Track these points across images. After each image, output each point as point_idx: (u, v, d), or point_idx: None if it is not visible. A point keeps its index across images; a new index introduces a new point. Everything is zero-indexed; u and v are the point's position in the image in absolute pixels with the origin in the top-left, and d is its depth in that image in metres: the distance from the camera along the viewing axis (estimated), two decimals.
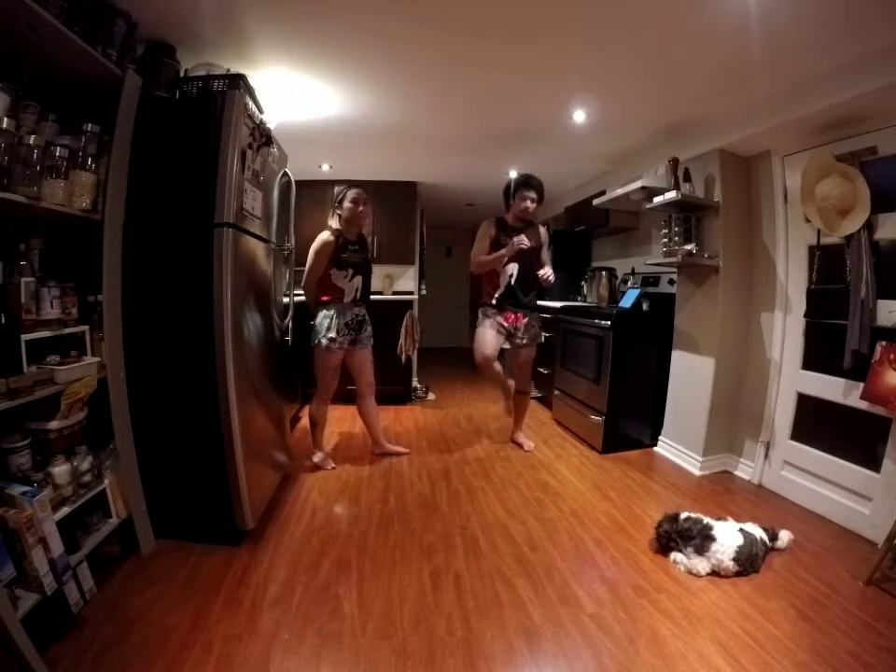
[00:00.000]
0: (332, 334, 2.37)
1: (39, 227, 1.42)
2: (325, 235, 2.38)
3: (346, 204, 2.39)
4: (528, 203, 2.62)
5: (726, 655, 1.29)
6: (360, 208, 2.41)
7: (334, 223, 2.44)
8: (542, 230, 2.78)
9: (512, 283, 2.70)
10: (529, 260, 2.67)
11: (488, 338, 2.70)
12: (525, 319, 2.74)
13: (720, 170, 2.44)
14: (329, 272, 2.39)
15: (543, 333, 3.62)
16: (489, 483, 2.42)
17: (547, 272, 2.60)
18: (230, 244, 1.60)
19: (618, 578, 1.64)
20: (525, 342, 2.75)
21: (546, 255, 2.78)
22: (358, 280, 2.45)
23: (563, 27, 1.67)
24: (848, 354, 1.88)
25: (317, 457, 2.61)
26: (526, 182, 2.64)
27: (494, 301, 2.74)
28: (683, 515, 1.78)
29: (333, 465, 2.60)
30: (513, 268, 2.68)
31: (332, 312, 2.39)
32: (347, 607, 1.48)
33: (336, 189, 2.58)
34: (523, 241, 2.53)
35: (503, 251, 2.58)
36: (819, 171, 1.97)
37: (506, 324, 2.73)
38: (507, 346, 2.87)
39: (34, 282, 1.31)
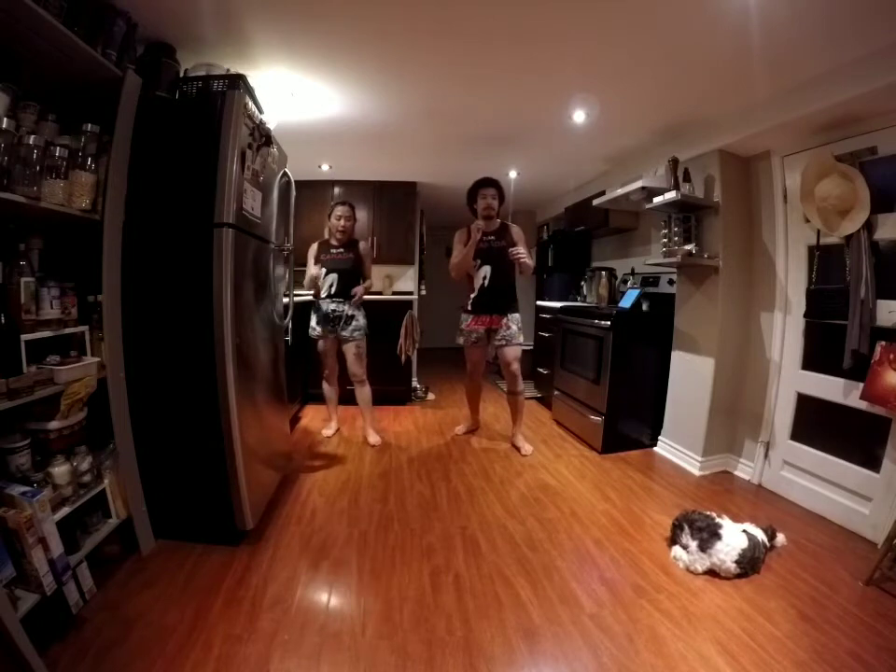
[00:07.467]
0: (313, 324, 2.83)
1: (39, 227, 1.42)
2: (313, 244, 2.90)
3: (332, 220, 2.83)
4: (489, 200, 2.67)
5: (726, 655, 1.29)
6: (342, 223, 2.80)
7: (326, 231, 2.95)
8: (516, 228, 2.76)
9: (486, 285, 2.73)
10: (502, 262, 2.68)
11: (469, 356, 2.92)
12: (503, 321, 2.74)
13: (719, 170, 2.44)
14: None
15: (543, 333, 3.61)
16: (489, 483, 2.42)
17: (518, 249, 2.58)
18: (229, 244, 1.60)
19: (618, 578, 1.64)
20: (502, 342, 2.75)
21: (524, 250, 2.65)
22: (332, 277, 2.78)
23: (563, 28, 1.67)
24: (848, 354, 1.88)
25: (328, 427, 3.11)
26: (483, 181, 2.73)
27: (469, 307, 2.80)
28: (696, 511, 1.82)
29: (330, 433, 3.04)
30: (486, 270, 2.72)
31: (316, 306, 2.84)
32: (347, 607, 1.48)
33: (332, 202, 2.98)
34: (479, 225, 2.64)
35: (469, 244, 2.64)
36: (818, 171, 1.97)
37: (481, 327, 2.77)
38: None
39: (33, 282, 1.31)
